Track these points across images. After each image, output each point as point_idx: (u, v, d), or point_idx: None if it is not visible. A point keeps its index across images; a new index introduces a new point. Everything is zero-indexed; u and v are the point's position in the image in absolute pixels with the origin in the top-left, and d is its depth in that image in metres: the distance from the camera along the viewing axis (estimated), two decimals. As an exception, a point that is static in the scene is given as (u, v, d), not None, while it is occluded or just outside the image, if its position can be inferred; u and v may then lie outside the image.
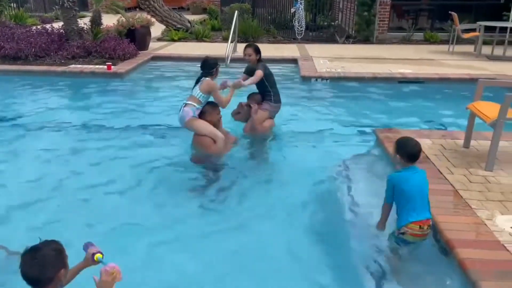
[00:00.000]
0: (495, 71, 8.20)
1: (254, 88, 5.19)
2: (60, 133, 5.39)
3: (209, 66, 4.54)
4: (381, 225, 3.07)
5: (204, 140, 4.47)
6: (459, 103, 6.29)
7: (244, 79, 4.95)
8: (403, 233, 2.83)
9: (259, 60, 5.00)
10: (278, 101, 5.14)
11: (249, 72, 5.08)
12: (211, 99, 4.57)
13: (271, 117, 5.18)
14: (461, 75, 7.94)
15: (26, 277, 1.78)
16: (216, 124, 4.60)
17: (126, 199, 3.81)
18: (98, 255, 1.99)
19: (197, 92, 4.44)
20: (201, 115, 4.50)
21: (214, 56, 5.15)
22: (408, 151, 2.87)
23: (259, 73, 4.83)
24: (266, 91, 5.06)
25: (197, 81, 4.58)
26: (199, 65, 4.64)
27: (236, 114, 5.20)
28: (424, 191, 2.86)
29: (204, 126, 4.46)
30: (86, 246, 2.08)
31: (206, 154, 4.53)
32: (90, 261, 2.01)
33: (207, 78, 4.48)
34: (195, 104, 4.42)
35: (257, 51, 4.95)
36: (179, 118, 4.49)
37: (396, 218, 2.92)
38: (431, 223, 2.85)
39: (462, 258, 2.69)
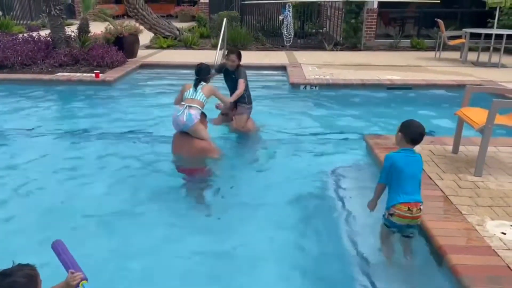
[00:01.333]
0: (481, 77, 8.32)
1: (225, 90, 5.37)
2: (47, 141, 5.31)
3: (205, 71, 4.70)
4: (372, 204, 3.07)
5: (204, 144, 4.50)
6: (447, 109, 6.37)
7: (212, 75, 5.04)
8: (391, 215, 2.86)
9: (239, 65, 5.19)
10: (251, 101, 5.36)
11: (219, 70, 5.37)
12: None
13: (249, 116, 5.38)
14: (448, 81, 8.05)
15: None
16: None
17: (114, 203, 3.77)
18: (83, 282, 1.94)
19: (201, 96, 4.48)
20: None
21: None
22: (412, 131, 2.88)
23: (242, 85, 5.04)
24: (242, 95, 5.16)
25: (195, 86, 4.57)
26: (194, 71, 4.71)
27: (214, 119, 5.41)
28: (417, 175, 2.89)
29: (206, 131, 4.57)
30: (56, 247, 2.05)
31: (200, 162, 4.55)
32: (73, 287, 1.95)
33: (205, 84, 4.61)
34: (199, 107, 4.43)
35: (240, 57, 5.17)
36: (186, 119, 4.33)
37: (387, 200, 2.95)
38: (421, 207, 2.86)
39: (454, 264, 2.69)
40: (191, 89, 4.55)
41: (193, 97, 4.48)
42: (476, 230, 3.08)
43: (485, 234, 3.02)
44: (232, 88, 5.24)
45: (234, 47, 5.60)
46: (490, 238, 2.98)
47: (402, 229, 2.93)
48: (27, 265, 1.79)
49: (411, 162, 2.88)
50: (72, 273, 1.98)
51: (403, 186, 2.83)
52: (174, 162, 4.64)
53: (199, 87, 4.54)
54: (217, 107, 5.24)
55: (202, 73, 4.64)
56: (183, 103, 4.46)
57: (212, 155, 4.56)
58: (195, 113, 4.36)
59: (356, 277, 2.88)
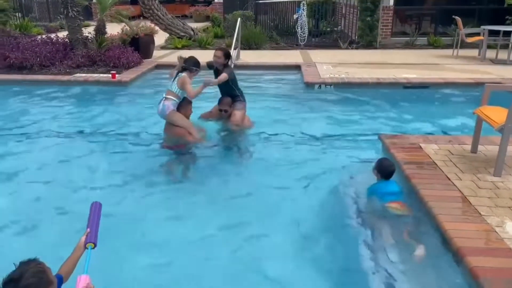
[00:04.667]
0: (500, 75, 8.15)
1: (217, 93, 5.57)
2: (65, 142, 5.41)
3: (190, 62, 5.00)
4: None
5: (180, 130, 5.00)
6: (465, 107, 6.25)
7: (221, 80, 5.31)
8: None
9: (226, 65, 5.32)
10: (244, 99, 5.54)
11: (210, 67, 5.50)
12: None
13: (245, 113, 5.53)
14: (467, 79, 7.90)
15: None
16: (188, 118, 5.14)
17: (129, 200, 3.89)
18: (90, 245, 2.07)
19: (174, 87, 4.91)
20: (178, 109, 4.98)
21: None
22: (382, 170, 3.61)
23: (223, 76, 5.17)
24: (234, 93, 5.41)
25: (177, 73, 4.98)
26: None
27: (208, 113, 5.59)
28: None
29: (181, 118, 5.00)
30: (93, 207, 2.25)
31: (180, 141, 5.06)
32: (83, 249, 2.08)
33: (183, 74, 4.90)
34: (174, 99, 4.91)
35: (227, 55, 5.32)
36: (160, 110, 4.94)
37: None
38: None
39: (473, 267, 2.64)
40: (172, 78, 4.99)
41: (171, 88, 4.94)
42: (495, 231, 3.02)
43: (505, 235, 2.96)
44: (222, 87, 5.40)
45: (224, 47, 5.94)
46: (510, 239, 2.91)
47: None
48: (31, 261, 1.78)
49: (388, 187, 3.58)
50: (86, 234, 2.12)
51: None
52: (162, 140, 5.20)
53: (177, 77, 4.92)
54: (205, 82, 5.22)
55: (188, 62, 4.99)
56: (164, 94, 4.98)
57: (188, 139, 5.03)
58: (168, 104, 4.88)
59: (372, 277, 2.86)
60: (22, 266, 1.75)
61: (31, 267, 1.74)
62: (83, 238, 2.11)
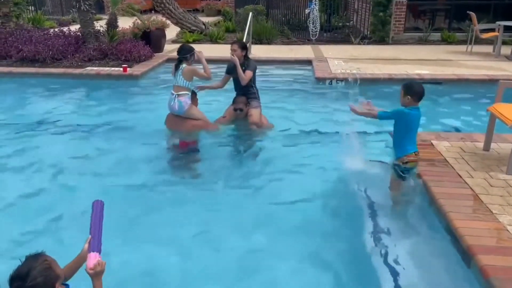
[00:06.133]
0: (515, 71, 8.02)
1: (229, 89, 5.46)
2: (76, 134, 5.45)
3: (184, 51, 4.92)
4: (356, 112, 3.70)
5: (200, 123, 5.01)
6: (478, 104, 6.17)
7: (226, 80, 5.36)
8: (406, 162, 3.44)
9: (246, 57, 5.17)
10: (259, 97, 5.38)
11: (230, 72, 5.27)
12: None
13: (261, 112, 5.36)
14: (480, 76, 7.79)
15: None
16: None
17: (142, 196, 3.90)
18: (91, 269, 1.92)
19: (182, 81, 4.83)
20: None
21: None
22: (417, 91, 3.38)
23: (249, 74, 5.05)
24: (251, 90, 5.25)
25: (176, 67, 4.92)
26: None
27: (222, 118, 5.33)
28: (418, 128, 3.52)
29: (198, 111, 5.03)
30: (95, 206, 2.04)
31: (197, 135, 5.08)
32: (84, 259, 1.95)
33: (185, 66, 4.84)
34: (186, 92, 4.86)
35: (243, 47, 5.16)
36: (177, 108, 4.86)
37: (394, 150, 3.56)
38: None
39: (484, 265, 2.62)
40: (175, 73, 4.90)
41: (178, 84, 4.86)
42: (507, 230, 2.98)
43: (517, 234, 2.92)
44: (238, 84, 5.23)
45: (237, 40, 5.74)
46: (522, 239, 2.88)
47: (410, 172, 3.54)
48: (38, 255, 1.76)
49: (419, 119, 3.45)
50: (89, 242, 1.96)
51: (413, 138, 3.47)
52: (170, 137, 5.17)
53: (179, 70, 4.84)
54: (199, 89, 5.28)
55: (182, 52, 4.91)
56: (172, 91, 4.91)
57: (209, 128, 5.06)
58: (184, 100, 4.83)
59: (380, 274, 2.84)
60: (29, 262, 1.72)
61: (39, 264, 1.72)
62: (86, 246, 1.96)
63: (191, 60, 4.91)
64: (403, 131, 3.46)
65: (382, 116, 3.52)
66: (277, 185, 4.07)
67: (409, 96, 3.39)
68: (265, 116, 5.41)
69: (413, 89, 3.38)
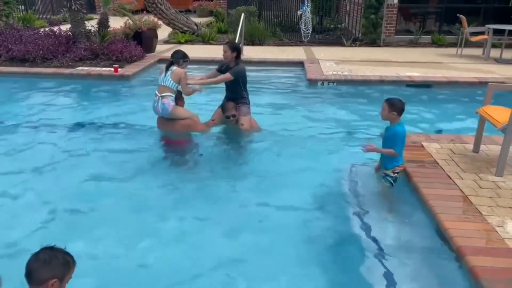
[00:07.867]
0: (504, 74, 8.11)
1: (219, 90, 5.43)
2: (66, 135, 5.40)
3: (179, 55, 4.99)
4: (374, 150, 3.78)
5: (188, 122, 5.02)
6: (468, 107, 6.23)
7: (214, 74, 5.28)
8: (398, 172, 3.72)
9: (237, 58, 5.12)
10: (249, 101, 5.32)
11: (221, 70, 5.25)
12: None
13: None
14: (470, 78, 7.87)
15: (27, 264, 1.84)
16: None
17: (129, 193, 3.88)
18: None
19: (170, 82, 4.83)
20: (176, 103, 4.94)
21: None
22: (401, 107, 3.62)
23: (226, 76, 5.03)
24: (241, 94, 5.19)
25: (167, 68, 4.91)
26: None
27: (211, 121, 5.31)
28: None
29: (184, 111, 5.05)
30: None
31: (189, 134, 5.11)
32: None
33: (175, 68, 4.86)
34: (171, 94, 4.85)
35: (233, 49, 5.08)
36: (161, 110, 4.86)
37: (383, 161, 3.84)
38: None
39: (473, 266, 2.64)
40: (163, 73, 4.89)
41: (164, 83, 4.85)
42: (496, 231, 3.01)
43: (505, 235, 2.96)
44: (230, 86, 5.20)
45: (229, 41, 5.68)
46: (511, 239, 2.91)
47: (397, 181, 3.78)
48: (70, 254, 1.93)
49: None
50: None
51: (402, 150, 3.69)
52: (161, 137, 5.17)
53: (169, 71, 4.86)
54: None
55: (176, 55, 4.97)
56: (156, 92, 4.89)
57: (197, 129, 5.08)
58: (167, 102, 4.81)
59: (371, 275, 2.85)
60: (64, 250, 1.92)
61: (68, 256, 1.91)
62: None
63: (182, 66, 4.94)
64: (400, 146, 3.68)
65: (400, 151, 3.68)
66: (267, 187, 4.05)
67: (394, 112, 3.61)
68: (254, 119, 5.38)
69: (397, 106, 3.61)
